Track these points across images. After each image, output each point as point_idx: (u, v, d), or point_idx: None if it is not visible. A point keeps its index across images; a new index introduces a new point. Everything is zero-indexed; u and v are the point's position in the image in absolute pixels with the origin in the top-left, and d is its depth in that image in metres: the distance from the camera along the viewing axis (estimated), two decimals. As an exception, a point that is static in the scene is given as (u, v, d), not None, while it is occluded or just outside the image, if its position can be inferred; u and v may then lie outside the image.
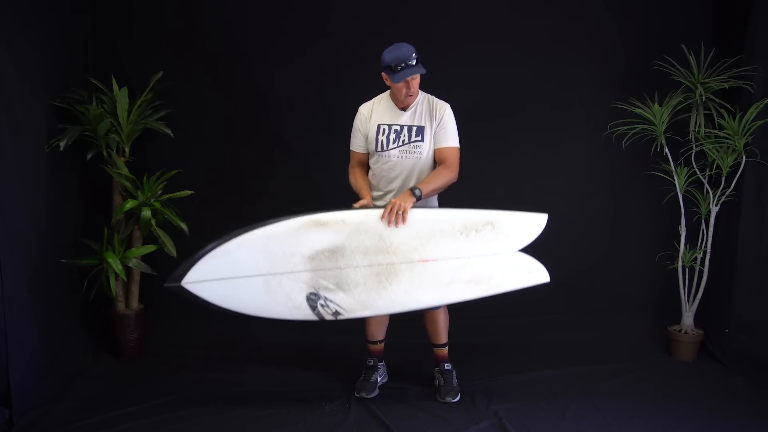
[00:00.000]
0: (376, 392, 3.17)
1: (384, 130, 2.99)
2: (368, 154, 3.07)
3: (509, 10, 3.83)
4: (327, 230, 2.79)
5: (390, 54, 2.84)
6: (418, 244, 2.81)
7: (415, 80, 2.89)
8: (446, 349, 3.24)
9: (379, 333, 3.25)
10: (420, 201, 2.87)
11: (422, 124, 2.98)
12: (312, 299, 2.79)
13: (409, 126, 2.98)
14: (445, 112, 2.98)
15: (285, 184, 3.92)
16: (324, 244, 2.79)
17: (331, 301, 2.79)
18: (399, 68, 2.82)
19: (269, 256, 2.77)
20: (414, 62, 2.84)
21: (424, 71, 2.86)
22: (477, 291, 2.85)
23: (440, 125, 2.97)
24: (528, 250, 2.90)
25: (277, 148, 3.93)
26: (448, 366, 3.23)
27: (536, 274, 2.90)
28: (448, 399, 3.09)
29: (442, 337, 3.20)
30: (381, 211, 2.81)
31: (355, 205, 2.90)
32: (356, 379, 3.23)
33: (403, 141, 2.97)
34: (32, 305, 3.02)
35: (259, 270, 2.76)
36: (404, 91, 2.89)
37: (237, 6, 3.79)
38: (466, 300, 2.86)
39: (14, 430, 2.76)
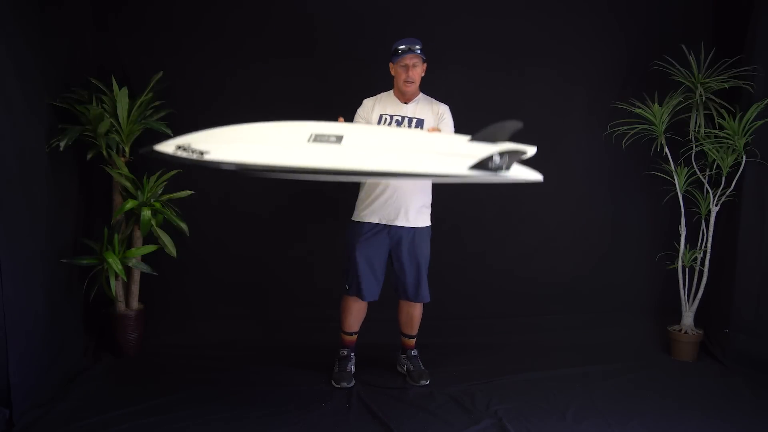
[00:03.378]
0: (354, 381, 3.27)
1: (386, 119, 3.11)
2: None
3: (509, 10, 3.82)
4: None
5: (398, 41, 3.07)
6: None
7: (416, 69, 3.04)
8: (415, 339, 3.39)
9: (355, 325, 3.35)
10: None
11: (422, 117, 3.10)
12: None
13: (410, 117, 3.10)
14: (446, 110, 3.14)
15: (285, 183, 3.91)
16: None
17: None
18: (400, 51, 3.01)
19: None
20: (418, 51, 3.02)
21: (424, 57, 3.04)
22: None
23: (443, 122, 3.09)
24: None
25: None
26: (414, 352, 3.39)
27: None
28: (422, 382, 3.23)
29: (416, 328, 3.37)
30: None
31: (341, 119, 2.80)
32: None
33: None
34: (32, 305, 3.01)
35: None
36: (403, 75, 3.03)
37: (238, 6, 3.79)
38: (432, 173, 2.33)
39: (14, 430, 2.75)
